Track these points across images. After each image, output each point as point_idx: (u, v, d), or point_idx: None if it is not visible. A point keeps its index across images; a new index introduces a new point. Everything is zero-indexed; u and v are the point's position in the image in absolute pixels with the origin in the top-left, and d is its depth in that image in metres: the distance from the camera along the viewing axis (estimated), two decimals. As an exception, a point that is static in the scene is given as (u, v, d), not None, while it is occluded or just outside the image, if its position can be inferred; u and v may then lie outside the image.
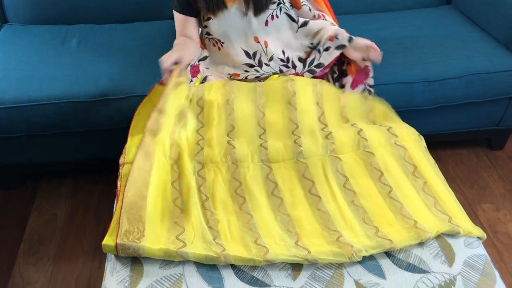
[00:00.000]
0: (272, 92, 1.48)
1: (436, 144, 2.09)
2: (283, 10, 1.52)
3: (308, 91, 1.50)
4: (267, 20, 1.49)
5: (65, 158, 1.82)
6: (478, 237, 1.20)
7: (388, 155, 1.36)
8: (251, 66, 1.55)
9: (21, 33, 1.94)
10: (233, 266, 1.11)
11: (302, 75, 1.57)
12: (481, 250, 1.16)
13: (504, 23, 1.88)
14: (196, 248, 1.11)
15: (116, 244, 1.09)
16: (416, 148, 1.38)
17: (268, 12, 1.48)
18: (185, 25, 1.50)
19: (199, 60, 1.61)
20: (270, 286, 1.07)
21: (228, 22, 1.47)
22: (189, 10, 1.49)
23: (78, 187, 1.90)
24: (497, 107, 1.90)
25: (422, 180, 1.29)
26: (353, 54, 1.52)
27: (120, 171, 1.32)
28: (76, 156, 1.81)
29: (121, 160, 1.37)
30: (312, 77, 1.57)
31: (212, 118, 1.43)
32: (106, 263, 1.15)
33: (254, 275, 1.09)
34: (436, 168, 1.35)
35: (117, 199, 1.26)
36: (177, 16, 1.51)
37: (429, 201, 1.24)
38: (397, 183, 1.29)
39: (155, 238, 1.12)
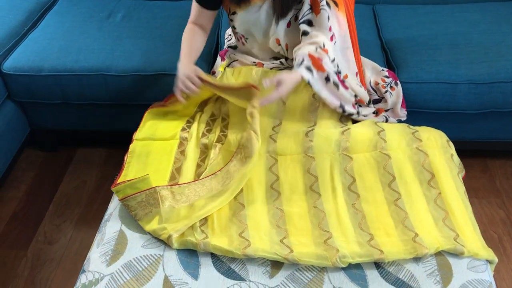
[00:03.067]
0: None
1: (484, 153, 1.91)
2: (306, 15, 1.36)
3: None
4: (289, 21, 1.38)
5: (99, 127, 1.89)
6: (487, 261, 1.09)
7: (405, 160, 1.26)
8: (277, 58, 1.47)
9: (75, 5, 2.02)
10: (212, 255, 1.09)
11: None
12: (486, 276, 1.05)
13: None
14: (179, 232, 1.10)
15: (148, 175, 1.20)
16: (439, 155, 1.26)
17: (292, 13, 1.37)
18: (200, 14, 1.45)
19: (228, 46, 1.59)
20: (244, 280, 1.04)
21: (252, 19, 1.39)
22: (207, 2, 1.42)
23: (110, 157, 1.98)
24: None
25: (436, 191, 1.18)
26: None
27: (130, 146, 1.35)
28: (109, 126, 1.88)
29: (133, 136, 1.39)
30: None
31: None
32: (96, 234, 1.18)
33: (232, 266, 1.07)
34: (457, 179, 1.23)
35: (120, 173, 1.28)
36: (194, 4, 1.45)
37: (438, 214, 1.14)
38: (408, 191, 1.19)
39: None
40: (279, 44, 1.41)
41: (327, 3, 1.30)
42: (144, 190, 1.16)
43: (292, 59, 1.40)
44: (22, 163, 1.97)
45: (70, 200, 1.81)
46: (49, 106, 1.80)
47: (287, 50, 1.42)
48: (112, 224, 1.17)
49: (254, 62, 1.49)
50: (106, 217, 1.21)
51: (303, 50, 1.28)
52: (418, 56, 1.66)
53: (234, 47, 1.57)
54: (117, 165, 1.91)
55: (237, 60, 1.53)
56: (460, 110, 1.65)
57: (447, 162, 1.26)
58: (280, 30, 1.37)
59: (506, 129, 1.74)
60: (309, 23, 1.32)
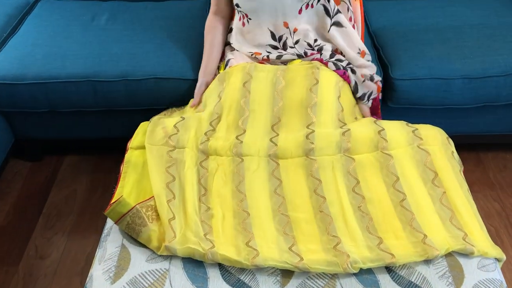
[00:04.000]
0: (293, 78, 1.40)
1: (478, 146, 1.92)
2: (321, 1, 1.42)
3: (331, 82, 1.41)
4: (301, 8, 1.40)
5: (87, 135, 1.84)
6: (496, 259, 1.08)
7: (407, 159, 1.25)
8: (275, 48, 1.48)
9: (55, 8, 1.95)
10: (220, 266, 1.06)
11: (326, 64, 1.47)
12: (497, 275, 1.05)
13: None
14: (185, 242, 1.07)
15: (134, 207, 1.13)
16: (441, 153, 1.26)
17: (303, 0, 1.39)
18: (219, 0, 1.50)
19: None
20: (255, 291, 1.01)
21: None
22: None
23: (99, 164, 1.92)
24: (548, 110, 1.71)
25: (441, 190, 1.18)
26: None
27: (126, 156, 1.31)
28: (97, 133, 1.82)
29: (128, 145, 1.35)
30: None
31: (228, 104, 1.37)
32: (96, 250, 1.14)
33: (241, 278, 1.04)
34: (460, 177, 1.23)
35: (117, 185, 1.24)
36: None
37: (445, 214, 1.13)
38: (413, 191, 1.18)
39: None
40: (287, 27, 1.42)
41: None
42: (127, 213, 1.11)
43: (293, 44, 1.46)
44: (7, 175, 1.89)
45: (61, 211, 1.75)
46: (34, 114, 1.74)
47: (294, 32, 1.44)
48: (113, 239, 1.13)
49: (251, 52, 1.47)
50: (105, 231, 1.17)
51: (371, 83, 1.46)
52: (410, 52, 1.65)
53: (227, 43, 1.55)
54: (107, 172, 1.88)
55: (233, 58, 1.51)
56: (455, 105, 1.66)
57: (449, 159, 1.25)
58: (289, 13, 1.42)
59: (500, 122, 1.75)
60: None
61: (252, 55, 1.50)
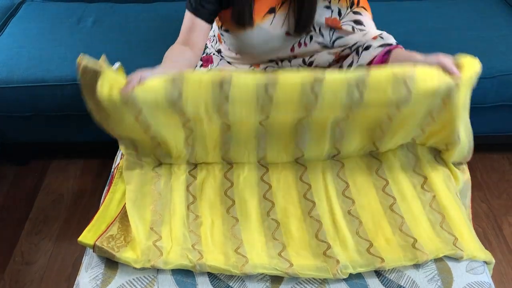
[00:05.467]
0: (284, 94, 1.07)
1: (465, 147, 1.93)
2: (314, 39, 1.31)
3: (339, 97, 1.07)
4: (293, 46, 1.32)
5: (74, 138, 1.82)
6: (485, 262, 1.09)
7: (396, 163, 1.25)
8: (271, 61, 1.40)
9: (40, 10, 1.93)
10: (209, 273, 1.05)
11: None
12: (485, 278, 1.05)
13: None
14: (173, 255, 1.05)
15: (95, 244, 1.06)
16: (429, 156, 1.26)
17: (293, 39, 1.30)
18: (193, 29, 1.25)
19: (216, 50, 1.48)
20: (244, 298, 1.01)
21: (246, 40, 1.29)
22: (205, 13, 1.23)
23: (86, 168, 1.90)
24: (535, 111, 1.73)
25: (431, 194, 1.18)
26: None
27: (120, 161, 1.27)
28: (84, 137, 1.80)
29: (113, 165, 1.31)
30: None
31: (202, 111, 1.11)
32: (83, 257, 1.12)
33: (230, 284, 1.03)
34: (448, 180, 1.23)
35: (108, 189, 1.22)
36: (188, 16, 1.26)
37: (435, 218, 1.13)
38: (403, 195, 1.18)
39: (134, 249, 1.07)
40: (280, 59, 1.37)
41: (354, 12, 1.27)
42: (93, 249, 1.07)
43: (289, 63, 1.37)
44: (-7, 179, 1.87)
45: (48, 216, 1.73)
46: (20, 118, 1.71)
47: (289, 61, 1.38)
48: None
49: (250, 65, 1.41)
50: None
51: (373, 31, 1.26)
52: (398, 54, 1.66)
53: (218, 51, 1.48)
54: (95, 177, 1.86)
55: (230, 63, 1.45)
56: (442, 107, 1.66)
57: (438, 163, 1.26)
58: (281, 51, 1.33)
59: (486, 124, 1.77)
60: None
61: (250, 66, 1.42)
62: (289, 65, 1.38)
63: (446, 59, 1.07)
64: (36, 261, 1.59)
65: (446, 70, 1.06)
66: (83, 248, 1.10)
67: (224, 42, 1.39)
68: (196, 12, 1.24)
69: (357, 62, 1.26)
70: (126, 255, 1.05)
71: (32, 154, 1.93)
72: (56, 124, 1.75)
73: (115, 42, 1.73)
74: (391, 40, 1.25)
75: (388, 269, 1.04)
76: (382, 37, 1.25)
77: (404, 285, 1.02)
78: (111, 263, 1.07)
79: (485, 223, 1.71)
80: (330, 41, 1.30)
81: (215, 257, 1.05)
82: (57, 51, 1.68)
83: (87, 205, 1.76)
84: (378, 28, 1.72)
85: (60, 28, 1.80)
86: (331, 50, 1.33)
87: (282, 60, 1.38)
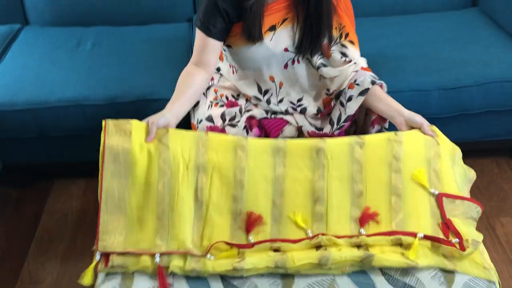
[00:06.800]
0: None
1: (455, 153, 2.00)
2: (306, 56, 1.38)
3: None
4: (287, 63, 1.39)
5: (77, 159, 1.85)
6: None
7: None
8: (259, 99, 1.44)
9: (40, 35, 1.98)
10: (223, 280, 1.09)
11: (333, 134, 1.38)
12: (485, 272, 1.10)
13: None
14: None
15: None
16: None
17: (290, 56, 1.37)
18: (206, 49, 1.31)
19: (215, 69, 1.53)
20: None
21: (248, 55, 1.35)
22: (216, 32, 1.30)
23: (89, 187, 1.93)
24: (519, 116, 1.81)
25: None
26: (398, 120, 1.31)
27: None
28: (86, 156, 1.83)
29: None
30: (340, 132, 1.39)
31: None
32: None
33: (243, 288, 1.07)
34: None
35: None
36: (199, 35, 1.31)
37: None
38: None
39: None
40: (273, 81, 1.41)
41: (342, 45, 1.35)
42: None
43: (277, 103, 1.43)
44: (-3, 201, 1.89)
45: (53, 236, 1.75)
46: (23, 140, 1.75)
47: (280, 87, 1.42)
48: (110, 281, 1.13)
49: (243, 96, 1.47)
50: (100, 275, 1.17)
51: (350, 70, 1.34)
52: (388, 67, 1.73)
53: (218, 69, 1.54)
54: (97, 195, 1.88)
55: (224, 86, 1.50)
56: (433, 115, 1.72)
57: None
58: (275, 68, 1.38)
59: (475, 130, 1.85)
60: (324, 65, 1.37)
61: (245, 100, 1.47)
62: (278, 109, 1.44)
63: (425, 122, 1.28)
64: (43, 281, 1.61)
65: (423, 131, 1.26)
66: (90, 265, 1.12)
67: (226, 58, 1.45)
68: (208, 32, 1.30)
69: (345, 113, 1.34)
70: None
71: (34, 176, 1.95)
72: (58, 145, 1.79)
73: (115, 63, 1.78)
74: (366, 84, 1.31)
75: (394, 269, 1.09)
76: (358, 84, 1.32)
77: (410, 283, 1.07)
78: (126, 275, 1.10)
79: (479, 225, 1.76)
80: (316, 63, 1.38)
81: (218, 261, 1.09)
82: (58, 74, 1.73)
83: (91, 224, 1.79)
84: (368, 41, 1.82)
85: (60, 52, 1.85)
86: (319, 97, 1.42)
87: (268, 103, 1.43)
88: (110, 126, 1.16)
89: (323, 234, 1.11)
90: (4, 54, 1.87)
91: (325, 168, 1.18)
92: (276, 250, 1.11)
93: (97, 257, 1.10)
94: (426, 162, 1.22)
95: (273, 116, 1.46)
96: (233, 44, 1.36)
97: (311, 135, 1.41)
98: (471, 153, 2.02)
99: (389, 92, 1.68)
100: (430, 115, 1.72)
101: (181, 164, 1.15)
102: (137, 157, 1.14)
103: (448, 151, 1.27)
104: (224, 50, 1.43)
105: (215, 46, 1.32)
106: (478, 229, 1.76)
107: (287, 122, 1.45)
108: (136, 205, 1.14)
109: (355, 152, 1.20)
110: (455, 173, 1.26)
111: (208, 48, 1.32)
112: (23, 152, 1.81)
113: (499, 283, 1.09)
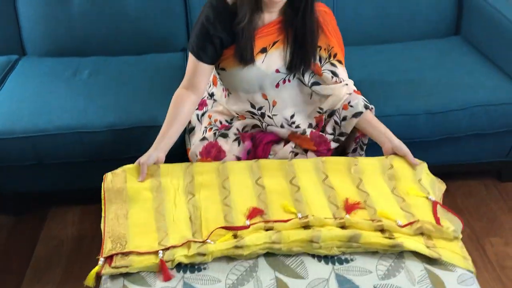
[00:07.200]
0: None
1: (445, 175, 2.05)
2: (296, 76, 1.46)
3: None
4: (278, 83, 1.45)
5: (72, 185, 1.87)
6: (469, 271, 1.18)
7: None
8: (254, 114, 1.51)
9: (37, 65, 2.02)
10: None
11: (329, 144, 1.48)
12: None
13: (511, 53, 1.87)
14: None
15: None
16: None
17: (281, 76, 1.44)
18: (196, 72, 1.39)
19: (209, 94, 1.61)
20: None
21: (241, 77, 1.41)
22: (207, 57, 1.38)
23: (84, 214, 1.94)
24: (505, 138, 1.88)
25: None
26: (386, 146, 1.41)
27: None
28: (83, 183, 1.86)
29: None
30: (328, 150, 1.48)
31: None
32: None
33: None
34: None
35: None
36: (191, 60, 1.40)
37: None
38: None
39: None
40: (266, 99, 1.47)
41: (332, 64, 1.44)
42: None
43: (272, 116, 1.48)
44: (-8, 230, 1.90)
45: (49, 263, 1.76)
46: (20, 168, 1.77)
47: (273, 106, 1.48)
48: (113, 283, 1.15)
49: (236, 113, 1.53)
50: (104, 277, 1.19)
51: (343, 91, 1.45)
52: (377, 92, 1.79)
53: (211, 94, 1.60)
54: (93, 222, 1.90)
55: (218, 111, 1.55)
56: (421, 138, 1.80)
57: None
58: (268, 87, 1.45)
59: (462, 152, 1.91)
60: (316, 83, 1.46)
61: (237, 117, 1.53)
62: (273, 122, 1.50)
63: (409, 153, 1.37)
64: (39, 308, 1.61)
65: (409, 160, 1.36)
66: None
67: (220, 81, 1.51)
68: (199, 57, 1.38)
69: (340, 129, 1.46)
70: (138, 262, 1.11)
71: (31, 203, 1.97)
72: (55, 173, 1.81)
73: (112, 92, 1.83)
74: (360, 107, 1.44)
75: (386, 284, 1.12)
76: (352, 106, 1.44)
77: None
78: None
79: (469, 246, 1.81)
80: (308, 82, 1.46)
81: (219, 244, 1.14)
82: (56, 102, 1.76)
83: (87, 251, 1.80)
84: (357, 68, 1.89)
85: (57, 81, 1.89)
86: (312, 115, 1.51)
87: (263, 117, 1.49)
88: (108, 176, 1.31)
89: (312, 216, 1.19)
90: (1, 84, 1.91)
91: (296, 174, 1.30)
92: (269, 230, 1.18)
93: (101, 262, 1.13)
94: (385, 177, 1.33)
95: (267, 128, 1.50)
96: (227, 67, 1.41)
97: (313, 136, 1.47)
98: (460, 175, 2.08)
99: (378, 117, 1.75)
100: (419, 138, 1.79)
101: (171, 190, 1.28)
102: (133, 192, 1.27)
103: (409, 175, 1.35)
104: (218, 74, 1.48)
105: (206, 70, 1.40)
106: (468, 249, 1.80)
107: (279, 139, 1.50)
108: (136, 223, 1.21)
109: (318, 166, 1.33)
110: (423, 182, 1.34)
111: (199, 72, 1.40)
112: (19, 180, 1.83)
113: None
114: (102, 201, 1.27)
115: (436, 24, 2.19)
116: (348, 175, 1.32)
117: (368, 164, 1.35)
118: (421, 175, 1.35)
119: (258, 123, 1.51)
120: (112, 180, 1.30)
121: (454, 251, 1.17)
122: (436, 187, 1.36)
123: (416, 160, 1.38)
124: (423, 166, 1.38)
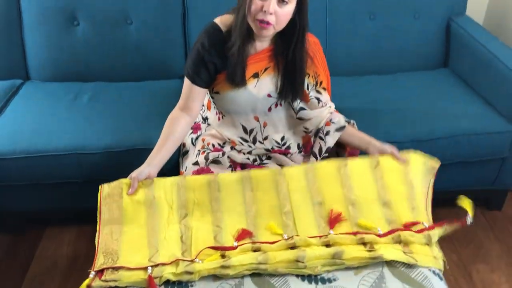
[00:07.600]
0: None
1: (433, 202, 2.09)
2: (287, 100, 1.54)
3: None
4: (270, 107, 1.53)
5: (69, 205, 1.92)
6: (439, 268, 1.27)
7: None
8: (245, 140, 1.58)
9: (40, 89, 2.10)
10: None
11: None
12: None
13: (495, 86, 1.95)
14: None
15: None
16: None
17: (272, 100, 1.52)
18: (191, 95, 1.47)
19: (203, 118, 1.68)
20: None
21: (234, 100, 1.49)
22: (201, 81, 1.46)
23: (80, 234, 1.98)
24: (490, 167, 1.93)
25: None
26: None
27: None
28: (79, 204, 1.90)
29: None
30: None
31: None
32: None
33: None
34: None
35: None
36: (187, 83, 1.48)
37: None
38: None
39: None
40: (258, 121, 1.56)
41: (317, 91, 1.53)
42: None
43: (262, 140, 1.56)
44: (-13, 249, 1.93)
45: (43, 283, 1.79)
46: (16, 187, 1.82)
47: (264, 127, 1.56)
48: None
49: (228, 138, 1.59)
50: None
51: (325, 112, 1.55)
52: (367, 120, 1.83)
53: (205, 118, 1.67)
54: (88, 242, 1.93)
55: (211, 134, 1.62)
56: (408, 166, 1.85)
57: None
58: (260, 110, 1.53)
59: (448, 180, 1.95)
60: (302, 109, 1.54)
61: (229, 140, 1.59)
62: (263, 146, 1.58)
63: (395, 150, 1.46)
64: (31, 325, 1.63)
65: (395, 156, 1.44)
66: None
67: (214, 104, 1.58)
68: (194, 81, 1.46)
69: (325, 145, 1.54)
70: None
71: (26, 222, 2.01)
72: (53, 192, 1.86)
73: (110, 115, 1.89)
74: (342, 122, 1.55)
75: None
76: (334, 122, 1.54)
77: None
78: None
79: (456, 272, 1.85)
80: (297, 107, 1.54)
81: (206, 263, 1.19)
82: (56, 125, 1.83)
83: (82, 272, 1.82)
84: (349, 97, 1.97)
85: (58, 105, 1.96)
86: (299, 135, 1.60)
87: (254, 142, 1.58)
88: (105, 188, 1.37)
89: (297, 236, 1.26)
90: (5, 107, 1.98)
91: (285, 183, 1.36)
92: (257, 251, 1.23)
93: (91, 275, 1.19)
94: (373, 179, 1.40)
95: (255, 163, 1.57)
96: (221, 90, 1.49)
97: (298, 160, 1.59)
98: (446, 202, 2.10)
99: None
100: (405, 165, 1.84)
101: (165, 207, 1.34)
102: (128, 207, 1.32)
103: (399, 171, 1.44)
104: (212, 97, 1.55)
105: (200, 93, 1.48)
106: (455, 276, 1.83)
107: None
108: (129, 239, 1.26)
109: (308, 173, 1.39)
110: (412, 178, 1.46)
111: (193, 95, 1.48)
112: (16, 199, 1.88)
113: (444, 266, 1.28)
114: (98, 213, 1.33)
115: (425, 57, 2.28)
116: (337, 178, 1.38)
117: (356, 164, 1.42)
118: (410, 170, 1.45)
119: (246, 158, 1.56)
120: (108, 192, 1.36)
121: (426, 254, 1.27)
122: (428, 172, 1.51)
123: (404, 155, 1.46)
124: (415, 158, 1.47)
